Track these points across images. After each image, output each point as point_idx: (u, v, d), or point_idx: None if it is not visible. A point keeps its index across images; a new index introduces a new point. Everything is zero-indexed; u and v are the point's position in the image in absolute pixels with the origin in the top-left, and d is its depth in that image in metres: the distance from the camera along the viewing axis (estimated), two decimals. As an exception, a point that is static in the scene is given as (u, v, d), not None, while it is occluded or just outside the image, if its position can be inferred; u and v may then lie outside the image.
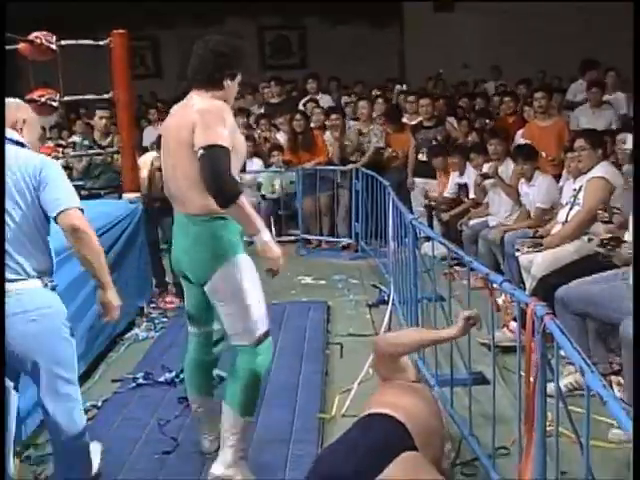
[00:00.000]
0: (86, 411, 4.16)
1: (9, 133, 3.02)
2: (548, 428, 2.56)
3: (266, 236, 3.03)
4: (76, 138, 8.36)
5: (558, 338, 2.19)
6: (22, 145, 3.02)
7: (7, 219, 2.84)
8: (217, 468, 3.21)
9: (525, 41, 12.30)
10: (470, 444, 3.40)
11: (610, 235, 4.08)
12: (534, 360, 2.42)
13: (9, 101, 3.22)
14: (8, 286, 2.81)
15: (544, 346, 2.39)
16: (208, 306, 3.29)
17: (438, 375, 4.10)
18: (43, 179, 2.89)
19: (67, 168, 7.56)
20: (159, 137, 6.92)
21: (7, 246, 2.83)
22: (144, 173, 6.10)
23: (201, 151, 2.91)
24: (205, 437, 3.53)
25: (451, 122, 8.15)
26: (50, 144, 8.66)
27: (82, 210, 2.95)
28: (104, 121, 7.40)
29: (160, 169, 5.98)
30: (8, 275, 2.82)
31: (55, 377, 2.96)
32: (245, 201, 2.95)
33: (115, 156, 6.65)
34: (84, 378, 4.62)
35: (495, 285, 3.09)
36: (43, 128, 10.73)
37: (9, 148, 2.96)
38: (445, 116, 8.37)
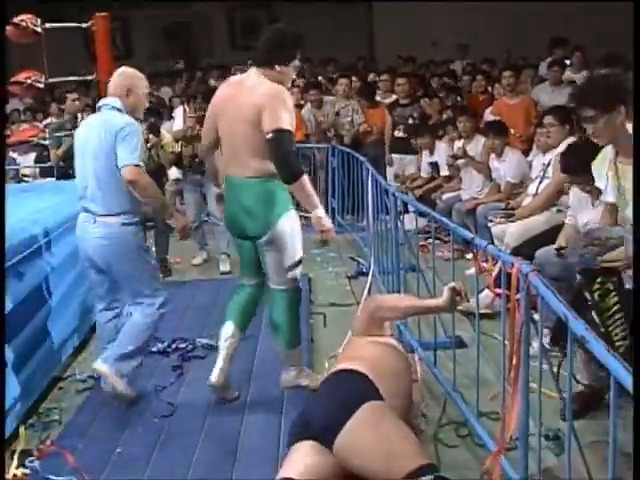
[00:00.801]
0: (83, 381, 4.34)
1: (110, 100, 3.82)
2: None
3: (321, 212, 3.58)
4: (53, 120, 8.43)
5: (543, 293, 2.38)
6: (120, 111, 3.78)
7: (95, 170, 3.73)
8: (284, 378, 3.94)
9: (523, 39, 12.39)
10: (456, 402, 3.61)
11: (565, 245, 4.29)
12: (518, 317, 2.61)
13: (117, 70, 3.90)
14: (97, 218, 3.77)
15: (528, 303, 2.57)
16: (259, 260, 3.79)
17: (420, 340, 4.32)
18: (119, 138, 3.67)
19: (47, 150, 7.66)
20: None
21: (96, 189, 3.75)
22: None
23: (270, 134, 3.43)
24: (217, 369, 3.77)
25: (425, 100, 8.31)
26: (39, 125, 8.71)
27: (139, 165, 3.68)
28: (77, 103, 7.59)
29: (147, 140, 6.15)
30: (97, 210, 3.77)
31: (125, 286, 3.92)
32: (306, 180, 3.44)
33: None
34: (79, 350, 4.77)
35: (480, 249, 3.28)
36: (17, 111, 10.73)
37: (109, 113, 3.79)
38: (418, 94, 8.54)
